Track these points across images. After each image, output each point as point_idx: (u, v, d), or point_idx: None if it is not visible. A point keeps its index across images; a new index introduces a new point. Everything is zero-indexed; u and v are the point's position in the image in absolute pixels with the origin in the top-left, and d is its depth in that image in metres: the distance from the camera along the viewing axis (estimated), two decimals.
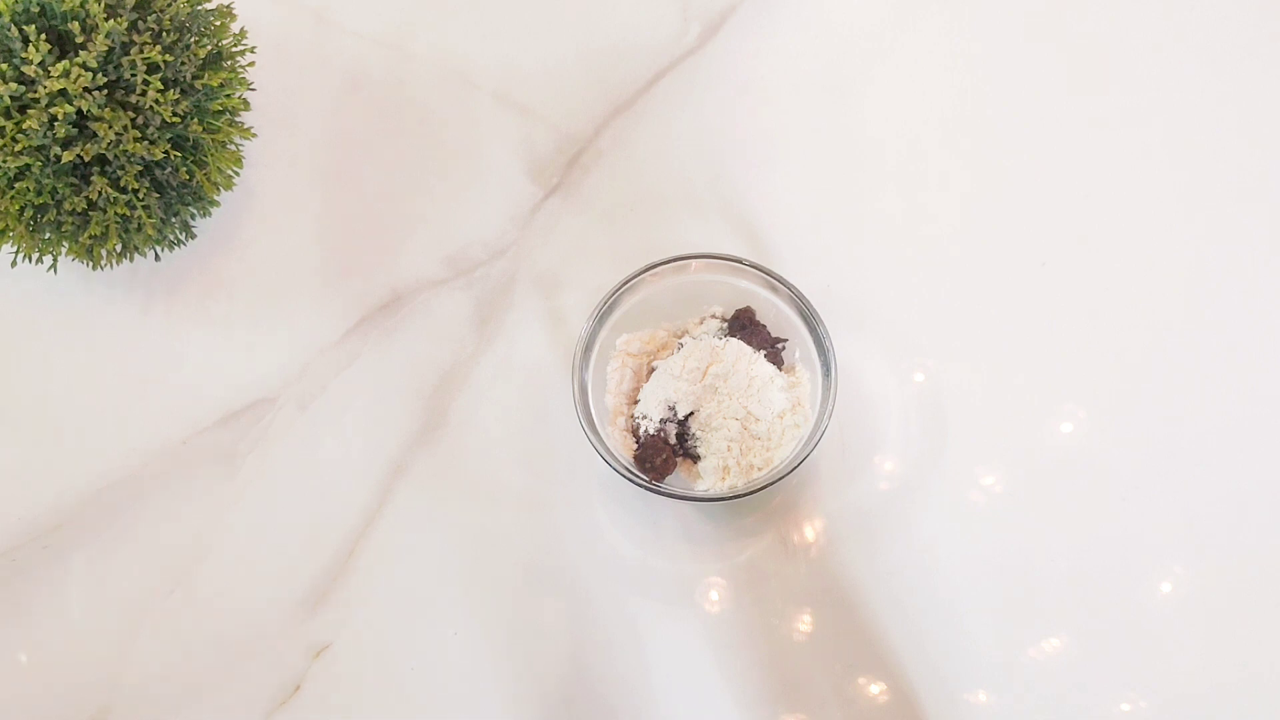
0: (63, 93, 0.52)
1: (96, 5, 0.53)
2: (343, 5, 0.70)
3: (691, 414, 0.57)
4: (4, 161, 0.53)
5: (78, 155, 0.53)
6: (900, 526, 0.58)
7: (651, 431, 0.57)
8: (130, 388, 0.62)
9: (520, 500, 0.59)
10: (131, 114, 0.55)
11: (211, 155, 0.59)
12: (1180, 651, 0.56)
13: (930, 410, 0.60)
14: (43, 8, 0.53)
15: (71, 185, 0.55)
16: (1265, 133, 0.66)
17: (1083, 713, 0.55)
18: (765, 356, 0.58)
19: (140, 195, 0.57)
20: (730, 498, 0.55)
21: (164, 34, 0.56)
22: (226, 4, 0.61)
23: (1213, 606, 0.57)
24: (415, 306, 0.63)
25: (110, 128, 0.53)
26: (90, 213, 0.56)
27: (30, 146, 0.53)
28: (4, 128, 0.52)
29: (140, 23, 0.55)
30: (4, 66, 0.52)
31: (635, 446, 0.57)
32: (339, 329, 0.63)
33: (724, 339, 0.58)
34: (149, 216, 0.58)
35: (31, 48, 0.52)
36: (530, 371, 0.62)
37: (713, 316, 0.60)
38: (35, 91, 0.52)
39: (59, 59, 0.53)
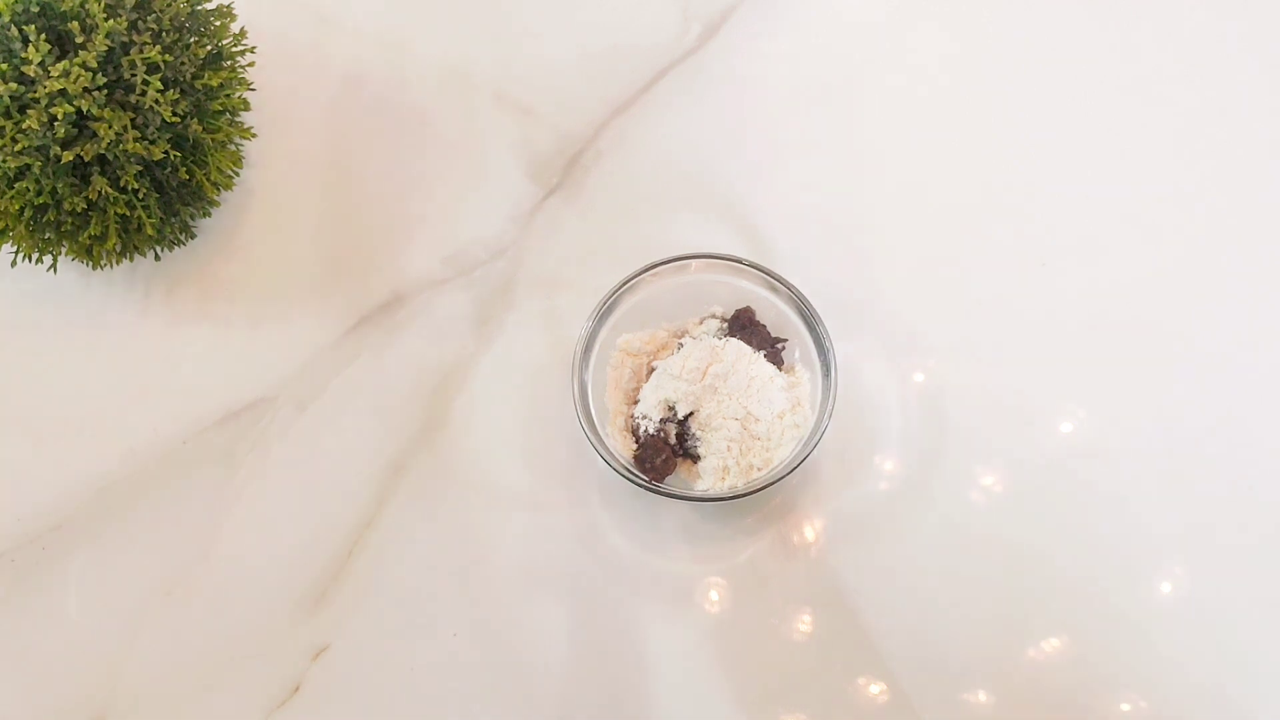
0: (63, 93, 0.52)
1: (96, 5, 0.53)
2: (343, 5, 0.70)
3: (691, 414, 0.57)
4: (4, 161, 0.53)
5: (78, 155, 0.53)
6: (900, 526, 0.58)
7: (651, 431, 0.57)
8: (130, 388, 0.62)
9: (520, 500, 0.59)
10: (131, 114, 0.55)
11: (211, 155, 0.60)
12: (1180, 651, 0.56)
13: (930, 410, 0.60)
14: (43, 8, 0.53)
15: (71, 185, 0.55)
16: (1266, 134, 0.66)
17: (1083, 713, 0.55)
18: (765, 356, 0.58)
19: (140, 195, 0.57)
20: (730, 498, 0.55)
21: (164, 34, 0.56)
22: (226, 4, 0.61)
23: (1213, 606, 0.57)
24: (415, 306, 0.63)
25: (110, 128, 0.53)
26: (90, 213, 0.56)
27: (30, 146, 0.53)
28: (4, 128, 0.52)
29: (140, 23, 0.55)
30: (4, 66, 0.52)
31: (635, 446, 0.57)
32: (339, 329, 0.63)
33: (724, 339, 0.58)
34: (149, 216, 0.58)
35: (31, 48, 0.52)
36: (530, 371, 0.62)
37: (713, 316, 0.60)
38: (35, 91, 0.52)
39: (59, 59, 0.53)
